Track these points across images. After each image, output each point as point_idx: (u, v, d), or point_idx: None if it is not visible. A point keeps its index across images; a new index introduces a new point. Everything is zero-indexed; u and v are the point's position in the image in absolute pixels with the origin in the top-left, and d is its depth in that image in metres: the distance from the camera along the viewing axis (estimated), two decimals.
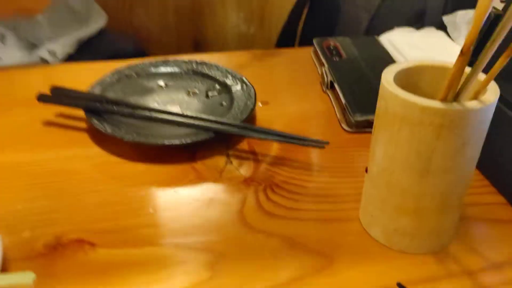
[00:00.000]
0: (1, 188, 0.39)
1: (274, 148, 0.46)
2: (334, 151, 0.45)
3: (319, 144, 0.41)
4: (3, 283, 0.28)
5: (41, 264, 0.33)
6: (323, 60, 0.57)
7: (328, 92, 0.54)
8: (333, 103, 0.52)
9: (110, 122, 0.43)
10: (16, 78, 0.55)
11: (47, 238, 0.35)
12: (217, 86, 0.51)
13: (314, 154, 0.45)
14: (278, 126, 0.48)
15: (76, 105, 0.44)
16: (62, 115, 0.48)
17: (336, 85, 0.52)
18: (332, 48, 0.60)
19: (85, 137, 0.45)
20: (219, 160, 0.44)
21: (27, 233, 0.35)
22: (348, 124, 0.48)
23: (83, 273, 0.33)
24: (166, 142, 0.41)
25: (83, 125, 0.47)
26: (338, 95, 0.52)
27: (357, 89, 0.51)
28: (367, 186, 0.35)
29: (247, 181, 0.41)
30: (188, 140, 0.42)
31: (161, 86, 0.51)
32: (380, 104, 0.31)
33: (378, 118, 0.32)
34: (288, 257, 0.35)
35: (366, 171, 0.35)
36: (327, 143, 0.42)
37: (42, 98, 0.45)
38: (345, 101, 0.49)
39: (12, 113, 0.48)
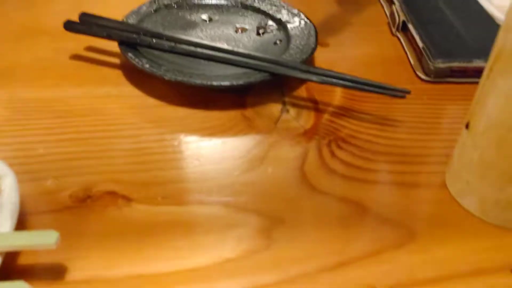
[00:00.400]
0: (22, 129, 0.34)
1: (337, 96, 0.38)
2: (410, 103, 0.38)
3: (399, 93, 0.34)
4: (21, 243, 0.23)
5: (66, 220, 0.28)
6: None
7: (399, 34, 0.46)
8: (405, 47, 0.44)
9: (148, 58, 0.37)
10: (40, 3, 0.48)
11: (74, 189, 0.29)
12: (271, 22, 0.44)
13: (386, 105, 0.38)
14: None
15: (109, 36, 0.38)
16: (92, 49, 0.41)
17: (410, 26, 0.44)
18: None
19: (118, 74, 0.39)
20: (273, 108, 0.37)
21: (51, 183, 0.30)
22: (426, 71, 0.41)
23: (115, 232, 0.27)
24: (214, 83, 0.35)
25: (116, 60, 0.40)
26: (412, 38, 0.44)
27: (436, 32, 0.43)
28: (466, 146, 0.28)
29: (308, 134, 0.35)
30: (240, 82, 0.35)
31: (204, 21, 0.44)
32: (504, 40, 0.24)
33: (499, 60, 0.24)
34: (360, 227, 0.28)
35: (467, 127, 0.28)
36: (409, 92, 0.34)
37: (69, 25, 0.38)
38: (423, 45, 0.41)
39: (36, 44, 0.42)
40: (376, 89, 0.34)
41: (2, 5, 0.48)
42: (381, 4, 0.52)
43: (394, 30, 0.47)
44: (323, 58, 0.43)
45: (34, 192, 0.29)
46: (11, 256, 0.25)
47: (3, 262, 0.23)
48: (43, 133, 0.33)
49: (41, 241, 0.23)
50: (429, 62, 0.40)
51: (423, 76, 0.41)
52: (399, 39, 0.46)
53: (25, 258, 0.25)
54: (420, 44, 0.42)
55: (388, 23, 0.48)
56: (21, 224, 0.27)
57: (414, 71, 0.42)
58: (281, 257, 0.26)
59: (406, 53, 0.44)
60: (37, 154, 0.32)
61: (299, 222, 0.28)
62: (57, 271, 0.25)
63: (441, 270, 0.26)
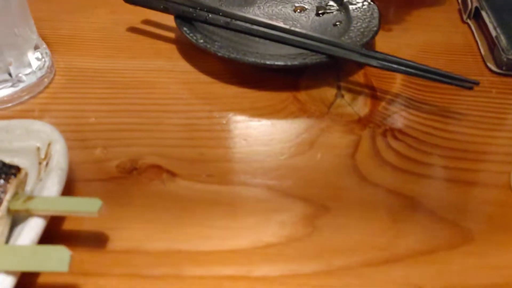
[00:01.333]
0: (76, 97, 0.34)
1: (397, 84, 0.36)
2: (477, 96, 0.35)
3: (467, 84, 0.31)
4: (65, 208, 0.23)
5: (112, 190, 0.28)
6: None
7: (470, 22, 0.43)
8: (476, 36, 0.41)
9: (202, 33, 0.36)
10: None
11: (121, 160, 0.29)
12: (331, 3, 0.42)
13: (450, 97, 0.35)
14: None
15: (166, 9, 0.37)
16: (148, 22, 0.41)
17: (483, 13, 0.41)
18: None
19: (172, 49, 0.39)
20: (328, 92, 0.35)
21: (100, 152, 0.30)
22: (497, 63, 0.37)
23: (158, 206, 0.27)
24: (268, 62, 0.33)
25: (171, 35, 0.40)
26: (484, 25, 0.40)
27: (511, 20, 0.39)
28: None
29: (362, 121, 0.33)
30: (295, 62, 0.33)
31: None
32: None
33: None
34: (410, 222, 0.27)
35: None
36: (478, 83, 0.32)
37: None
38: (496, 34, 0.38)
39: (95, 15, 0.42)
40: (441, 78, 0.32)
41: None
42: None
43: (465, 17, 0.43)
44: (385, 44, 0.41)
45: (83, 160, 0.29)
46: (56, 221, 0.25)
47: (48, 226, 0.23)
48: (95, 103, 0.34)
49: (84, 208, 0.23)
50: (501, 52, 0.37)
51: (493, 68, 0.38)
52: (469, 27, 0.43)
53: (69, 224, 0.26)
54: (493, 33, 0.38)
55: (459, 10, 0.45)
56: (68, 190, 0.27)
57: (484, 62, 0.39)
58: (324, 247, 0.25)
59: (476, 42, 0.41)
60: (89, 122, 0.32)
61: (345, 212, 0.27)
62: (99, 240, 0.25)
63: (497, 277, 0.24)
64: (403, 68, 0.33)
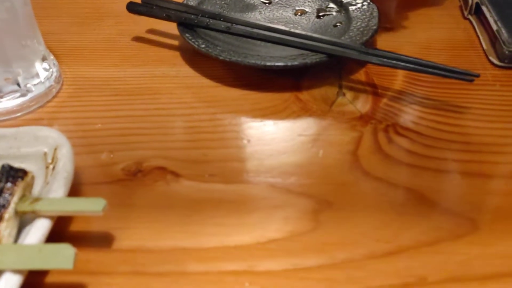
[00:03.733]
0: (83, 104, 0.35)
1: (398, 80, 0.36)
2: (480, 89, 0.35)
3: (467, 77, 0.31)
4: (70, 208, 0.24)
5: (118, 192, 0.28)
6: None
7: (471, 18, 0.43)
8: (478, 31, 0.41)
9: (204, 39, 0.37)
10: None
11: (126, 163, 0.30)
12: (332, 5, 0.42)
13: (452, 91, 0.35)
14: None
15: (168, 17, 0.38)
16: (152, 31, 0.42)
17: (484, 8, 0.41)
18: None
19: (176, 56, 0.39)
20: (329, 91, 0.36)
21: (105, 156, 0.31)
22: (499, 56, 0.37)
23: (162, 205, 0.27)
24: (268, 63, 0.34)
25: (175, 42, 0.41)
26: (485, 20, 0.40)
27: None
28: None
29: (364, 118, 0.33)
30: (295, 63, 0.34)
31: (264, 3, 0.44)
32: None
33: None
34: (415, 215, 0.27)
35: None
36: (478, 75, 0.32)
37: (132, 7, 0.39)
38: (497, 28, 0.38)
39: (101, 26, 0.43)
40: (441, 72, 0.32)
41: None
42: None
43: (466, 13, 0.43)
44: (386, 43, 0.41)
45: (90, 164, 0.30)
46: (63, 222, 0.26)
47: (55, 227, 0.24)
48: (102, 109, 0.34)
49: (89, 207, 0.24)
50: (503, 46, 0.37)
51: (496, 62, 0.37)
52: (471, 23, 0.43)
53: (76, 225, 0.26)
54: (494, 27, 0.38)
55: (460, 6, 0.45)
56: (75, 193, 0.28)
57: (487, 56, 0.38)
58: (327, 241, 0.25)
59: (478, 37, 0.41)
60: (95, 128, 0.33)
61: (349, 206, 0.27)
62: (105, 239, 0.26)
63: (502, 266, 0.24)
64: (403, 63, 0.33)
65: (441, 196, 0.28)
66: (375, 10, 0.40)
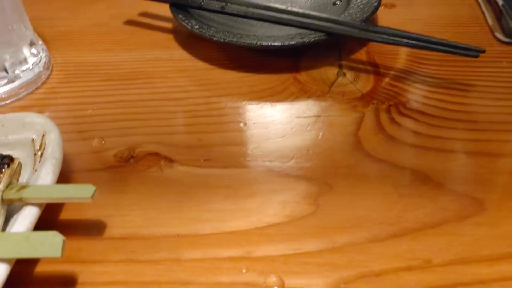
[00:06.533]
0: (74, 90, 0.34)
1: (401, 59, 0.35)
2: (486, 66, 0.34)
3: (472, 52, 0.30)
4: (59, 195, 0.23)
5: (109, 179, 0.27)
6: None
7: None
8: (483, 6, 0.40)
9: (198, 20, 0.36)
10: None
11: (118, 149, 0.29)
12: None
13: (457, 69, 0.34)
14: None
15: None
16: (145, 15, 0.41)
17: None
18: None
19: (169, 39, 0.38)
20: (329, 71, 0.34)
21: (97, 142, 0.30)
22: (506, 32, 0.36)
23: (156, 192, 0.26)
24: (264, 43, 0.33)
25: (168, 25, 0.40)
26: None
27: None
28: None
29: (365, 98, 0.32)
30: (292, 42, 0.33)
31: None
32: None
33: None
34: (419, 197, 0.25)
35: None
36: (483, 50, 0.30)
37: None
38: (503, 2, 0.36)
39: (92, 10, 0.42)
40: (445, 48, 0.31)
41: None
42: None
43: None
44: (389, 20, 0.40)
45: (81, 151, 0.29)
46: (53, 210, 0.25)
47: (45, 214, 0.23)
48: (93, 95, 0.33)
49: (78, 194, 0.23)
50: (509, 21, 0.35)
51: (502, 38, 0.36)
52: None
53: (67, 213, 0.25)
54: (500, 1, 0.37)
55: None
56: (66, 181, 0.27)
57: (492, 33, 0.37)
58: (327, 225, 0.24)
59: (483, 13, 0.39)
60: (86, 114, 0.32)
61: (350, 189, 0.26)
62: (96, 227, 0.25)
63: (511, 247, 0.23)
64: (405, 40, 0.32)
65: (446, 176, 0.26)
66: None
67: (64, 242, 0.21)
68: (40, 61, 0.34)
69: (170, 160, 0.28)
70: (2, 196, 0.23)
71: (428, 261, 0.22)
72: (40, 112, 0.32)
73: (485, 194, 0.25)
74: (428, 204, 0.25)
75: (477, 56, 0.30)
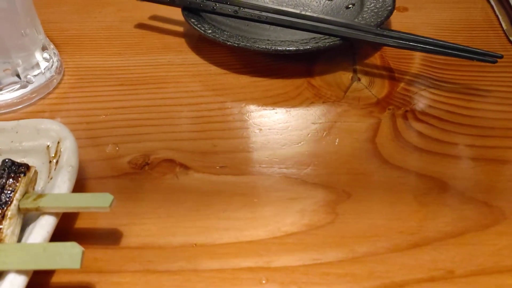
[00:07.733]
0: (86, 95, 0.34)
1: (416, 64, 0.35)
2: (500, 71, 0.33)
3: (489, 58, 0.30)
4: (77, 204, 0.23)
5: (124, 186, 0.27)
6: None
7: None
8: (496, 10, 0.39)
9: (211, 24, 0.35)
10: None
11: (133, 156, 0.29)
12: None
13: (472, 74, 0.33)
14: None
15: (172, 2, 0.37)
16: (156, 18, 0.41)
17: None
18: None
19: (181, 42, 0.38)
20: (343, 76, 0.34)
21: (111, 149, 0.29)
22: None
23: (172, 200, 0.26)
24: (279, 48, 0.32)
25: (179, 29, 0.39)
26: (505, 0, 0.39)
27: None
28: None
29: (381, 104, 0.31)
30: (307, 47, 0.32)
31: None
32: None
33: None
34: (439, 205, 0.25)
35: None
36: (501, 56, 0.30)
37: None
38: None
39: (102, 14, 0.42)
40: (461, 53, 0.30)
41: None
42: None
43: None
44: (401, 24, 0.39)
45: (95, 157, 0.29)
46: (69, 219, 0.25)
47: (60, 223, 0.23)
48: (105, 100, 0.33)
49: (96, 203, 0.22)
50: None
51: None
52: (489, 2, 0.41)
53: (83, 222, 0.25)
54: None
55: None
56: (80, 188, 0.27)
57: (507, 36, 0.37)
58: (347, 234, 0.24)
59: (497, 16, 0.39)
60: (99, 120, 0.31)
61: (368, 197, 0.26)
62: (112, 237, 0.24)
63: None
64: (421, 45, 0.31)
65: (465, 184, 0.26)
66: None
67: (83, 253, 0.20)
68: (52, 65, 0.34)
69: (185, 167, 0.28)
70: (18, 205, 0.23)
71: (451, 272, 0.22)
72: (53, 117, 0.32)
73: (506, 202, 0.25)
74: (448, 212, 0.25)
75: (495, 62, 0.30)
